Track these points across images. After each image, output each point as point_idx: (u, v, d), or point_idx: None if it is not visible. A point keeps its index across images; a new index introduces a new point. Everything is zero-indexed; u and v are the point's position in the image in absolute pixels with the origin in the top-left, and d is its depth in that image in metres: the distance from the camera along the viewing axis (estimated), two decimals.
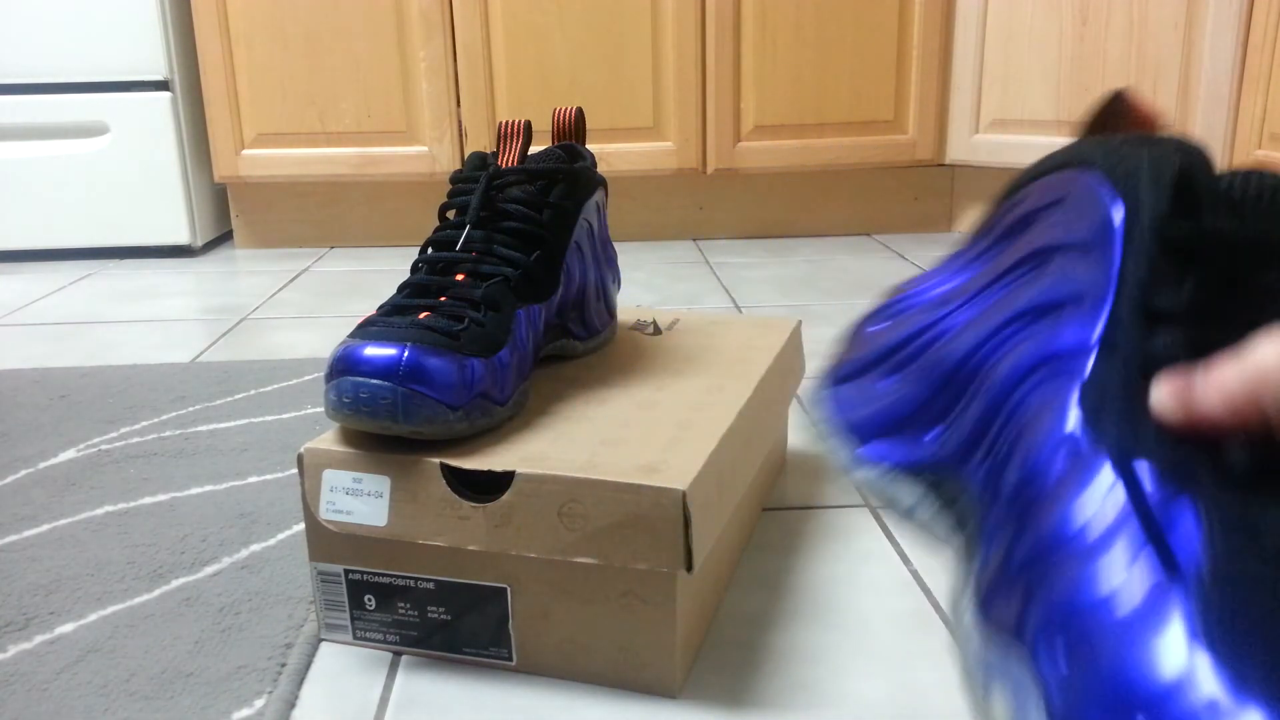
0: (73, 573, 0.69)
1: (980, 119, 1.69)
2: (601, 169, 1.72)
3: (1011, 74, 1.65)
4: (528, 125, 0.65)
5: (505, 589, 0.56)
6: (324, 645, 0.61)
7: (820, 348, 1.16)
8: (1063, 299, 0.34)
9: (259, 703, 0.55)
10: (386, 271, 1.62)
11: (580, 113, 0.70)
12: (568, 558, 0.53)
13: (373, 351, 0.54)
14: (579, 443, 0.56)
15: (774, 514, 0.76)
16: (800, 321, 0.90)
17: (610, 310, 0.74)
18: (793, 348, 0.79)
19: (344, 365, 0.54)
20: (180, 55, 1.69)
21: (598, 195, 0.69)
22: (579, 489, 0.52)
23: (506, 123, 0.65)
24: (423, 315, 0.57)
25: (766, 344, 0.75)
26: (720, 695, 0.55)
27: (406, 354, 0.53)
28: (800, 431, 0.92)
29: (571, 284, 0.66)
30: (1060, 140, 1.62)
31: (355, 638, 0.60)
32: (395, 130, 1.71)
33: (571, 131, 0.69)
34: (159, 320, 1.35)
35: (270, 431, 0.93)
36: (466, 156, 0.65)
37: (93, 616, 0.64)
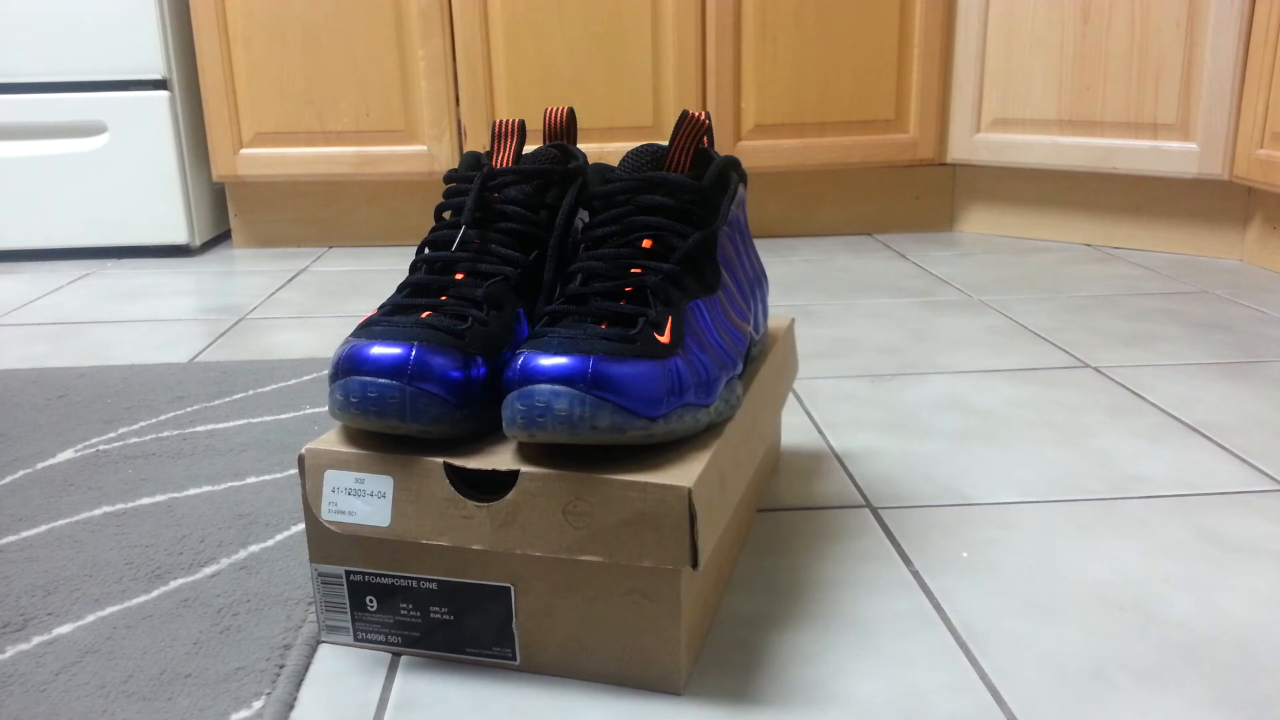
0: (71, 574, 0.68)
1: (982, 118, 1.69)
2: None
3: (1013, 73, 1.65)
4: (522, 125, 0.64)
5: (509, 588, 0.55)
6: (323, 646, 0.60)
7: (821, 347, 1.16)
8: None
9: (257, 704, 0.54)
10: (386, 271, 1.61)
11: (571, 113, 0.70)
12: (573, 556, 0.52)
13: (380, 351, 0.53)
14: None
15: (772, 515, 0.76)
16: (794, 320, 0.89)
17: None
18: (786, 346, 0.79)
19: (350, 365, 0.54)
20: (178, 54, 1.69)
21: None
22: (584, 487, 0.51)
23: (501, 122, 0.65)
24: (425, 315, 0.57)
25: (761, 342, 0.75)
26: (722, 695, 0.55)
27: (414, 353, 0.53)
28: (792, 432, 0.91)
29: None
30: (1061, 139, 1.62)
31: (356, 639, 0.59)
32: (394, 129, 1.71)
33: (563, 131, 0.69)
34: (157, 320, 1.34)
35: (269, 432, 0.93)
36: (462, 156, 0.65)
37: (91, 618, 0.63)
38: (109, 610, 0.64)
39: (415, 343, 0.54)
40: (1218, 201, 1.56)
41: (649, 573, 0.53)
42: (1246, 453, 0.85)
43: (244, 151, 1.72)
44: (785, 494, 0.79)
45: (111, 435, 0.93)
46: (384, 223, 1.80)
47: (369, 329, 0.55)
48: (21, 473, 0.85)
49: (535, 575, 0.55)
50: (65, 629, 0.62)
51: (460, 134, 1.71)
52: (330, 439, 0.57)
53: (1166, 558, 0.68)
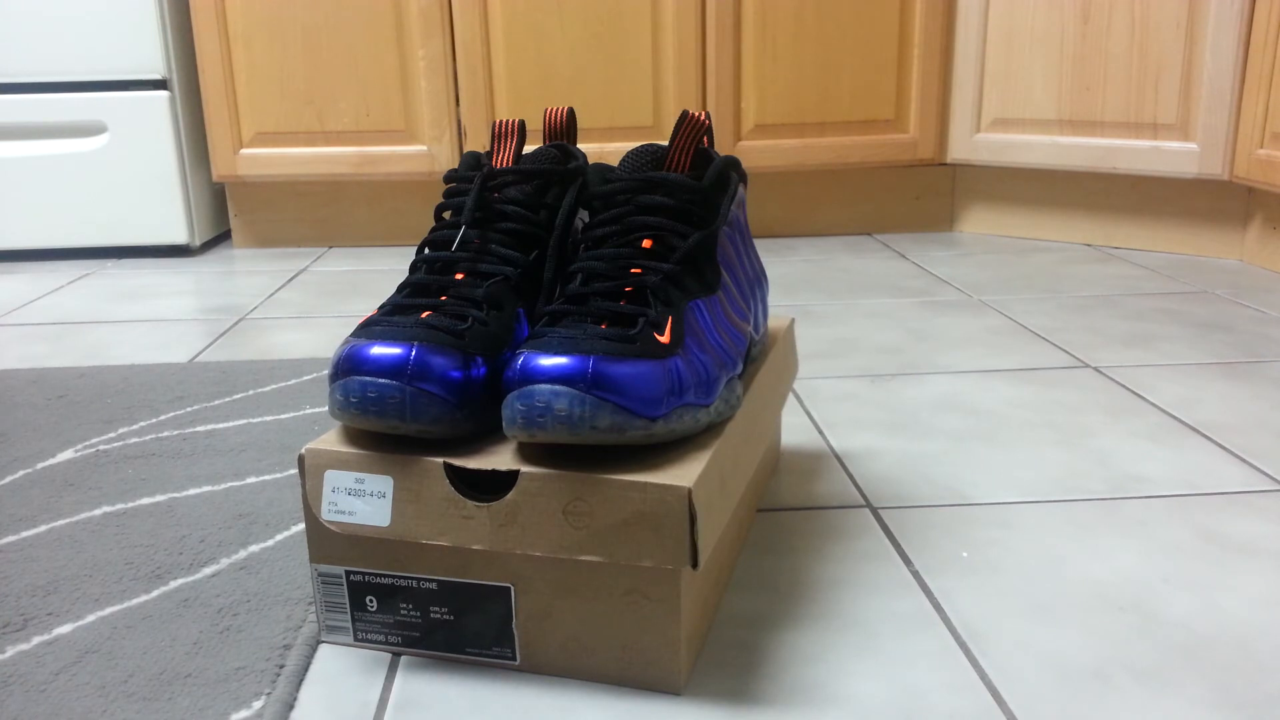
0: (71, 574, 0.68)
1: (982, 118, 1.69)
2: None
3: (1013, 73, 1.65)
4: (522, 125, 0.64)
5: (509, 588, 0.55)
6: (323, 646, 0.60)
7: (821, 347, 1.16)
8: None
9: (257, 704, 0.54)
10: (386, 271, 1.61)
11: (571, 113, 0.70)
12: (573, 556, 0.52)
13: (380, 351, 0.53)
14: None
15: (772, 515, 0.76)
16: (794, 320, 0.89)
17: None
18: (786, 346, 0.79)
19: (350, 365, 0.54)
20: (178, 54, 1.69)
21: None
22: (584, 487, 0.51)
23: (501, 122, 0.65)
24: (425, 315, 0.57)
25: (762, 342, 0.75)
26: (722, 695, 0.55)
27: (414, 353, 0.53)
28: (792, 432, 0.91)
29: None
30: (1061, 139, 1.62)
31: (356, 639, 0.59)
32: (394, 129, 1.71)
33: (563, 131, 0.69)
34: (157, 320, 1.34)
35: (269, 432, 0.93)
36: (462, 156, 0.64)
37: (91, 617, 0.63)
38: (109, 610, 0.64)
39: (415, 343, 0.54)
40: (1218, 201, 1.56)
41: (649, 573, 0.53)
42: (1246, 453, 0.85)
43: (244, 151, 1.72)
44: (785, 494, 0.79)
45: (111, 435, 0.93)
46: (384, 223, 1.80)
47: (369, 329, 0.55)
48: (21, 473, 0.85)
49: (535, 575, 0.55)
50: (65, 629, 0.62)
51: (460, 134, 1.71)
52: (330, 439, 0.57)
53: (1166, 558, 0.68)
